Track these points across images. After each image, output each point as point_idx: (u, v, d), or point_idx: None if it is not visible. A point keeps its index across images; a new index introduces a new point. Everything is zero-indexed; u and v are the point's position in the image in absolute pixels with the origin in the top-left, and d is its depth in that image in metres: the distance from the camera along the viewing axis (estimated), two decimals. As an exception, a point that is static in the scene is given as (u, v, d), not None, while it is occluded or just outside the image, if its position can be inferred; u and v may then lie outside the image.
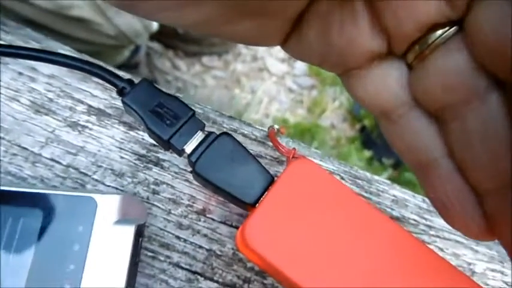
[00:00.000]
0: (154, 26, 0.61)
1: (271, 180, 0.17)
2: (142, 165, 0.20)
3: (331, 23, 0.14)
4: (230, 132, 0.22)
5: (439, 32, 0.13)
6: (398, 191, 0.23)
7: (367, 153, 0.98)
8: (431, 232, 0.22)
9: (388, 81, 0.15)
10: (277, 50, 1.07)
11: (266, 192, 0.17)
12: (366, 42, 0.14)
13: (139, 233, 0.17)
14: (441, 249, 0.21)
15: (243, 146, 0.18)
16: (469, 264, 0.21)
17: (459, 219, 0.15)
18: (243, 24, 0.13)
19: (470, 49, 0.13)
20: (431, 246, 0.21)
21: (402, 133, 0.15)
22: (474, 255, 0.22)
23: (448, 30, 0.13)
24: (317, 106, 1.04)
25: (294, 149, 0.19)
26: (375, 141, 0.98)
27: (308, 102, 1.05)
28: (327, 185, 0.17)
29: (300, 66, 1.07)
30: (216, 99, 0.97)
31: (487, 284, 0.21)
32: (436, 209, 0.15)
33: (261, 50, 1.06)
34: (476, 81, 0.13)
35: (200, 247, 0.19)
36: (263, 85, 1.03)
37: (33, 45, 0.23)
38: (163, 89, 0.20)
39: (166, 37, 0.90)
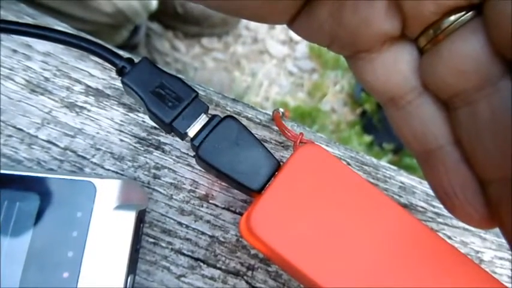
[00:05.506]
0: (154, 5, 0.59)
1: (277, 166, 0.17)
2: (142, 149, 0.20)
3: (346, 1, 0.13)
4: (234, 115, 0.21)
5: (454, 16, 0.13)
6: (405, 178, 0.22)
7: (368, 138, 0.97)
8: (439, 220, 0.21)
9: (398, 66, 0.14)
10: (278, 32, 1.05)
11: (272, 179, 0.16)
12: (380, 23, 0.13)
13: (140, 219, 0.16)
14: (449, 237, 0.21)
15: (248, 130, 0.17)
16: (477, 252, 0.21)
17: (461, 207, 0.14)
18: None
19: (488, 34, 0.12)
20: (439, 234, 0.21)
21: (409, 120, 0.15)
22: (482, 243, 0.21)
23: (464, 14, 0.13)
24: (318, 90, 1.03)
25: (302, 133, 0.18)
26: (376, 126, 0.97)
27: (309, 85, 1.04)
28: (336, 171, 0.16)
29: (301, 48, 1.05)
30: (216, 82, 0.96)
31: (495, 272, 0.21)
32: (438, 197, 0.15)
33: (262, 32, 1.04)
34: (491, 67, 0.13)
35: (203, 233, 0.19)
36: (263, 68, 1.01)
37: (28, 21, 0.22)
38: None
39: (166, 17, 0.88)
